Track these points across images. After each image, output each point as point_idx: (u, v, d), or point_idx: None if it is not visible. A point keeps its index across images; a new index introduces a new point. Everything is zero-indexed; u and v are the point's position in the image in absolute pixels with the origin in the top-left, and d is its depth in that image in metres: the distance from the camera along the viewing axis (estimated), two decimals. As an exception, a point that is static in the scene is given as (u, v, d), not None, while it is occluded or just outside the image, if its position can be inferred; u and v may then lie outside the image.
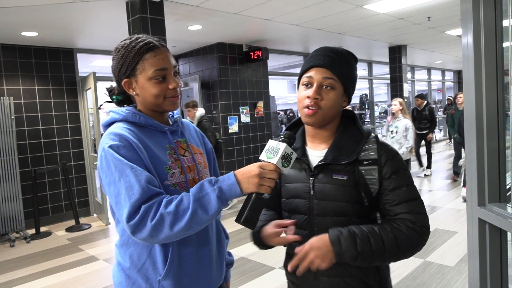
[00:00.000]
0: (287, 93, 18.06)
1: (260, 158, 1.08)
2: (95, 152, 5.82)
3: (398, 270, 3.37)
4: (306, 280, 1.22)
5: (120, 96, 1.26)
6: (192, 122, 1.67)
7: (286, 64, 9.89)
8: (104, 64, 7.69)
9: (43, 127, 5.63)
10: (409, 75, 10.62)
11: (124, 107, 1.23)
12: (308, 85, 1.17)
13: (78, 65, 6.00)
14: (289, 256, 1.30)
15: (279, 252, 1.43)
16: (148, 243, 1.11)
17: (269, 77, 7.48)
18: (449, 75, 15.50)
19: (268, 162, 1.06)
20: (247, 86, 7.02)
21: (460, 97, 6.73)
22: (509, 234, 1.35)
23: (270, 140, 1.11)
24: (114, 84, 1.28)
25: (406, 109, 5.57)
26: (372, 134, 1.21)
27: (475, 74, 1.32)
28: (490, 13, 1.28)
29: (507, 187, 1.37)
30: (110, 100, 1.29)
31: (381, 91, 15.35)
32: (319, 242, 1.09)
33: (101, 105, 1.43)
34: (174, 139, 1.23)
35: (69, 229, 5.39)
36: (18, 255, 4.48)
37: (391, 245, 1.08)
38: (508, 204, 1.33)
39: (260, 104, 7.17)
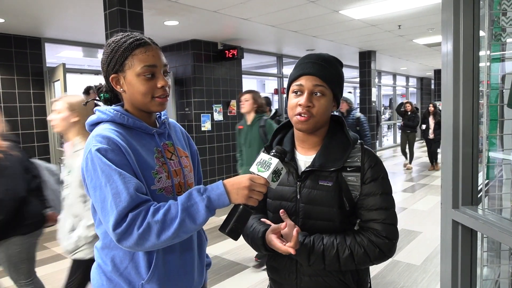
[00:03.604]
0: (257, 93, 18.23)
1: (250, 170, 1.09)
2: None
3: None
4: (288, 279, 1.26)
5: (108, 94, 1.22)
6: None
7: (258, 64, 9.92)
8: (72, 55, 7.41)
9: (6, 118, 5.33)
10: (376, 80, 10.97)
11: (111, 106, 1.20)
12: (298, 92, 1.19)
13: (46, 55, 5.75)
14: (271, 256, 1.31)
15: (253, 251, 1.43)
16: (134, 251, 1.10)
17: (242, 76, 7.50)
18: (412, 81, 16.14)
19: (258, 175, 1.07)
20: (220, 84, 7.00)
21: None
22: (478, 234, 1.45)
23: (261, 153, 1.13)
24: (102, 81, 1.24)
25: None
26: (359, 141, 1.25)
27: (454, 81, 1.37)
28: (469, 22, 1.33)
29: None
30: (97, 98, 1.26)
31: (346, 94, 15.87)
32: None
33: (87, 102, 1.40)
34: (161, 142, 1.21)
35: (32, 226, 5.16)
36: (-24, 253, 4.23)
37: (347, 261, 1.15)
38: (478, 207, 1.42)
39: (234, 103, 7.17)
